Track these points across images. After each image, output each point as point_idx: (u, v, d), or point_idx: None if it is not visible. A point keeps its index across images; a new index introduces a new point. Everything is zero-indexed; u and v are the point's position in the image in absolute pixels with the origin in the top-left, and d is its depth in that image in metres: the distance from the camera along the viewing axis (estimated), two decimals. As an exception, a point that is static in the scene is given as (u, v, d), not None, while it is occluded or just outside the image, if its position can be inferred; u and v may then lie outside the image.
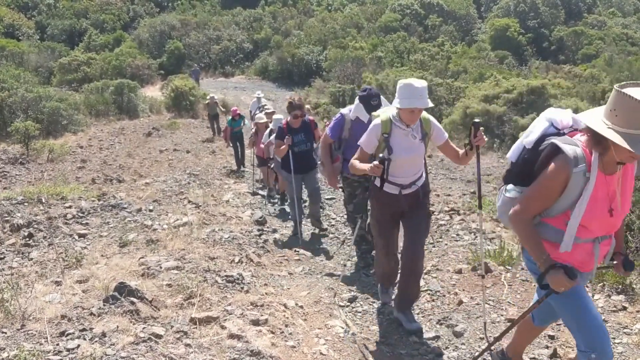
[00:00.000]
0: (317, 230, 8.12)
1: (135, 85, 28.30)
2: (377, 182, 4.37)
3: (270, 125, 11.38)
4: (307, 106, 16.96)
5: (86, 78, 33.76)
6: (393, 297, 5.00)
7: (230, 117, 15.30)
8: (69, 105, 21.89)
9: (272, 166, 10.12)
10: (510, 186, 3.16)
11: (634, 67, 36.79)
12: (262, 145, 9.85)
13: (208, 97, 21.84)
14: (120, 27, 58.08)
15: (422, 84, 4.20)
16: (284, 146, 7.50)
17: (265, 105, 15.13)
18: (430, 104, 4.26)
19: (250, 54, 50.94)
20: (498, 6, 63.01)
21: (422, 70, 28.52)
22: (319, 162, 6.62)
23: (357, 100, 5.99)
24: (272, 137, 10.24)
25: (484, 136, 4.13)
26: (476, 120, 4.23)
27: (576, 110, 11.31)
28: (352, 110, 6.05)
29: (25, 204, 8.52)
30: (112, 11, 60.46)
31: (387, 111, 4.52)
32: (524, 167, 3.07)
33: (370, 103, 5.79)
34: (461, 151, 4.38)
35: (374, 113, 4.73)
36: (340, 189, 6.84)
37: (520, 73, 34.24)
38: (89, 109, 24.59)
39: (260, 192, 11.29)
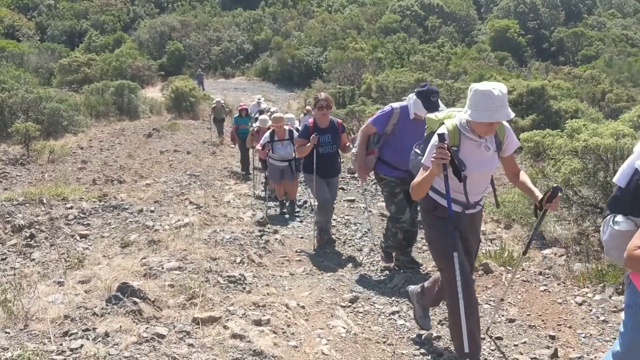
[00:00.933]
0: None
1: (136, 86, 28.36)
2: (438, 198, 3.86)
3: (258, 123, 11.40)
4: (308, 107, 16.72)
5: (86, 79, 33.83)
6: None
7: (237, 114, 14.75)
8: (70, 106, 21.91)
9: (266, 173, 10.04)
10: (620, 217, 2.65)
11: (634, 68, 36.87)
12: (259, 147, 9.62)
13: (214, 101, 20.96)
14: (121, 28, 58.17)
15: (501, 90, 3.49)
16: (308, 144, 6.98)
17: (270, 108, 15.12)
18: (512, 115, 3.56)
19: (250, 55, 51.00)
20: (498, 7, 63.08)
21: (422, 72, 28.54)
22: (354, 153, 6.23)
23: (414, 96, 5.63)
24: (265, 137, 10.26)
25: (559, 203, 3.82)
26: (557, 186, 3.69)
27: (576, 112, 11.31)
28: (411, 106, 5.67)
29: (27, 204, 8.55)
30: (112, 12, 60.51)
31: (450, 116, 3.85)
32: (638, 194, 2.61)
33: (430, 99, 5.46)
34: (524, 176, 3.92)
35: (431, 116, 4.06)
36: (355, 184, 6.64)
37: (520, 74, 34.32)
38: (90, 110, 24.63)
39: (263, 193, 11.00)
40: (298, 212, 9.52)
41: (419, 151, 4.10)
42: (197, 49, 50.15)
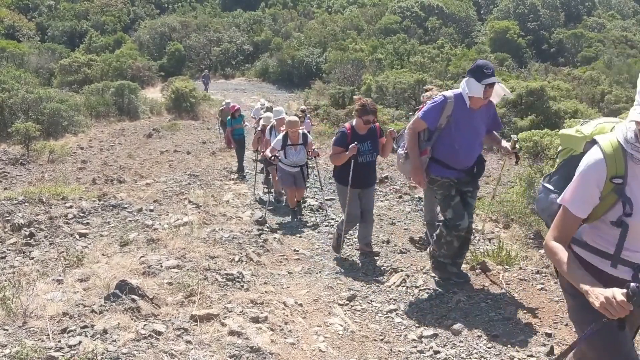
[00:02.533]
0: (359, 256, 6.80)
1: (136, 87, 28.38)
2: (590, 257, 2.56)
3: (262, 121, 10.92)
4: (303, 106, 16.46)
5: (87, 79, 33.86)
6: None
7: (229, 116, 14.23)
8: (70, 107, 21.94)
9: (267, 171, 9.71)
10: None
11: (633, 69, 36.88)
12: (268, 152, 8.92)
13: (223, 103, 19.55)
14: (121, 28, 58.29)
15: None
16: (347, 153, 6.22)
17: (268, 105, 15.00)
18: None
19: (250, 56, 51.08)
20: (498, 8, 63.16)
21: (422, 72, 28.57)
22: (402, 154, 5.48)
23: (465, 78, 4.99)
24: (269, 134, 9.93)
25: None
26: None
27: (575, 113, 11.28)
28: (465, 90, 4.94)
29: (26, 204, 8.57)
30: (112, 13, 60.62)
31: (604, 130, 2.57)
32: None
33: (484, 71, 4.80)
34: None
35: (570, 131, 2.79)
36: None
37: (519, 75, 34.33)
38: (90, 110, 24.66)
39: (264, 197, 10.46)
40: (302, 208, 9.33)
41: (550, 186, 2.80)
42: (197, 49, 50.21)
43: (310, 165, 9.67)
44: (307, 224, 8.53)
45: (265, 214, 8.90)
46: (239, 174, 13.32)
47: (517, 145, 5.15)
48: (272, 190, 10.61)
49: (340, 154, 6.33)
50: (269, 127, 10.04)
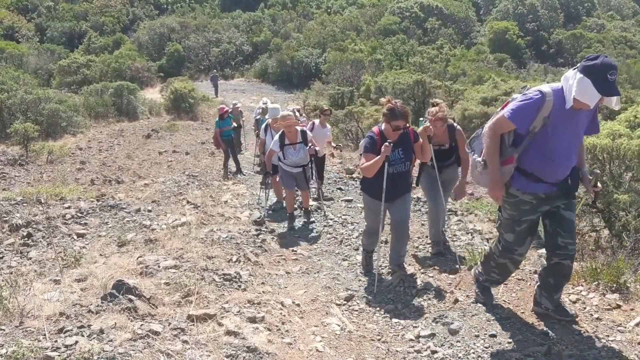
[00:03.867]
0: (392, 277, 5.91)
1: (135, 88, 28.39)
2: None
3: (256, 115, 11.04)
4: (297, 106, 16.33)
5: (86, 80, 33.88)
6: None
7: (217, 118, 14.17)
8: (69, 107, 21.94)
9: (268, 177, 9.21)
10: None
11: (633, 69, 36.92)
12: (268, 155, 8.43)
13: (231, 105, 18.93)
14: (120, 29, 58.34)
15: None
16: (378, 158, 5.34)
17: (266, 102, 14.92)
18: None
19: (249, 57, 51.14)
20: (497, 9, 63.24)
21: (421, 73, 28.58)
22: (480, 161, 4.33)
23: (578, 73, 3.80)
24: (264, 134, 9.66)
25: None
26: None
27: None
28: (572, 89, 3.80)
29: (24, 204, 8.56)
30: (111, 14, 60.65)
31: None
32: None
33: (607, 78, 3.68)
34: None
35: None
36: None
37: (519, 76, 34.35)
38: (89, 111, 24.66)
39: (261, 198, 10.09)
40: (313, 221, 8.52)
41: None
42: (196, 50, 50.24)
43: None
44: (306, 224, 8.50)
45: (263, 215, 8.90)
46: (225, 174, 13.36)
47: (598, 184, 4.30)
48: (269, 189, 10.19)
49: (374, 162, 5.38)
50: (263, 126, 9.87)
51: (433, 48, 46.02)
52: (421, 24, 55.18)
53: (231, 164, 14.01)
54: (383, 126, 5.54)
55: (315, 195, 9.81)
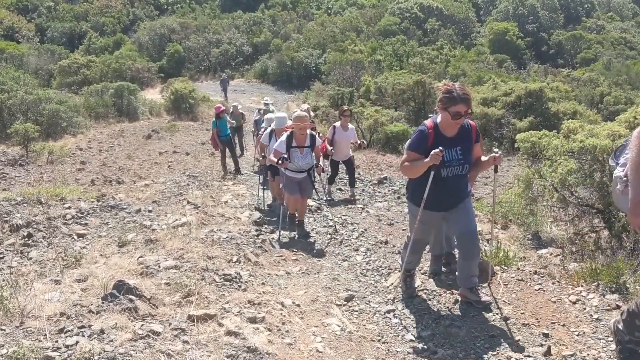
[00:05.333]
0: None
1: (135, 88, 28.40)
2: None
3: (263, 122, 10.36)
4: (307, 105, 15.95)
5: (86, 81, 33.88)
6: None
7: (214, 117, 13.95)
8: (69, 108, 21.94)
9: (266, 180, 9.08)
10: None
11: (632, 70, 36.97)
12: (272, 158, 7.70)
13: (231, 106, 18.23)
14: (120, 30, 58.38)
15: None
16: (427, 160, 4.40)
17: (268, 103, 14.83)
18: None
19: (249, 57, 51.18)
20: (497, 10, 63.29)
21: (421, 74, 28.58)
22: (621, 177, 3.41)
23: None
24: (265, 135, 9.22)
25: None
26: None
27: (574, 114, 11.26)
28: None
29: (25, 204, 8.57)
30: (112, 14, 60.69)
31: None
32: None
33: None
34: None
35: None
36: None
37: (519, 76, 34.38)
38: (89, 111, 24.66)
39: (260, 201, 9.88)
40: (311, 236, 7.85)
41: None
42: (196, 51, 50.27)
43: None
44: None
45: (263, 216, 8.89)
46: (225, 175, 13.35)
47: None
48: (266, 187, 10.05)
49: (416, 164, 4.50)
50: (268, 131, 9.08)
51: (433, 49, 46.05)
52: (421, 25, 55.23)
53: (231, 164, 14.00)
54: (439, 118, 4.54)
55: (325, 197, 9.80)
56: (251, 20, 58.04)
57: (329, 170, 10.30)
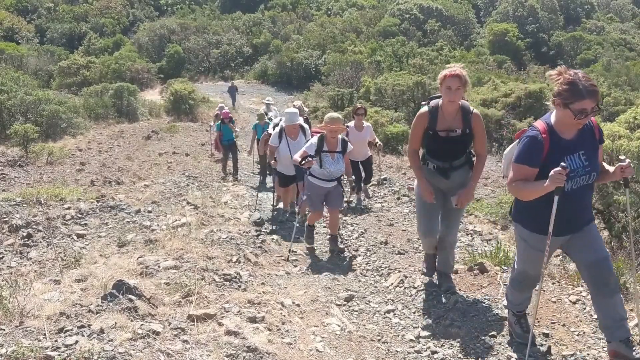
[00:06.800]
0: None
1: (135, 89, 28.42)
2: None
3: (275, 120, 9.69)
4: (299, 102, 15.29)
5: (85, 81, 33.91)
6: None
7: (219, 121, 14.04)
8: (68, 109, 21.93)
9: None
10: None
11: (632, 71, 36.99)
12: (297, 157, 6.79)
13: (217, 108, 17.68)
14: (120, 31, 58.38)
15: None
16: (548, 184, 3.40)
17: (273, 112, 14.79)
18: None
19: (249, 58, 51.18)
20: (497, 11, 63.31)
21: (421, 74, 28.60)
22: None
23: None
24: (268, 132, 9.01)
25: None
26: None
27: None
28: None
29: (24, 205, 8.56)
30: (111, 15, 60.69)
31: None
32: None
33: None
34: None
35: None
36: None
37: (518, 77, 34.39)
38: (89, 112, 24.65)
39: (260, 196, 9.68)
40: (343, 250, 7.14)
41: None
42: (196, 52, 50.27)
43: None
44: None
45: (262, 210, 8.89)
46: (225, 177, 13.34)
47: None
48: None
49: (532, 186, 3.56)
50: (277, 131, 8.30)
51: (433, 50, 46.08)
52: (421, 26, 55.26)
53: (230, 164, 14.00)
54: (553, 117, 3.59)
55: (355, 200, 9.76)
56: (251, 21, 58.05)
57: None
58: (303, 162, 6.53)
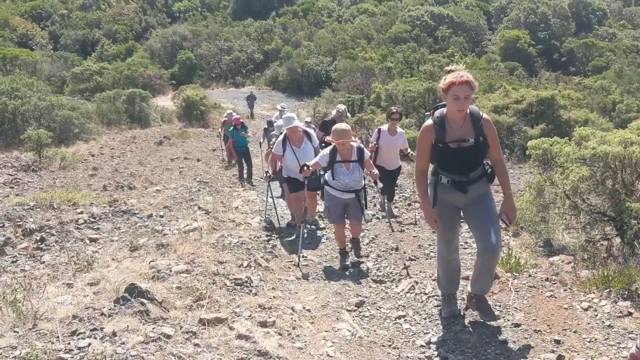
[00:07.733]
0: None
1: (147, 95, 28.60)
2: None
3: (278, 122, 9.44)
4: (308, 118, 15.47)
5: (98, 87, 34.21)
6: None
7: (231, 127, 14.00)
8: (81, 114, 22.15)
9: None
10: None
11: (645, 78, 36.70)
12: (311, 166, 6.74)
13: (225, 115, 17.58)
14: (133, 37, 58.78)
15: None
16: None
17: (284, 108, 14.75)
18: None
19: (260, 65, 51.29)
20: (508, 18, 63.09)
21: (432, 81, 28.57)
22: None
23: None
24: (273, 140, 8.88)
25: None
26: None
27: (585, 122, 11.23)
28: None
29: (38, 209, 8.65)
30: (124, 22, 61.18)
31: None
32: None
33: None
34: None
35: None
36: None
37: (530, 84, 34.27)
38: (101, 117, 24.87)
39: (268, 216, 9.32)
40: (366, 256, 7.10)
41: None
42: (208, 58, 50.48)
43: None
44: (316, 230, 8.51)
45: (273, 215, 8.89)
46: (241, 183, 13.36)
47: None
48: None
49: None
50: (280, 139, 8.13)
51: (444, 56, 45.95)
52: (432, 33, 55.18)
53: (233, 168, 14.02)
54: None
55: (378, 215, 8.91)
56: (262, 28, 58.24)
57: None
58: (301, 170, 6.66)
